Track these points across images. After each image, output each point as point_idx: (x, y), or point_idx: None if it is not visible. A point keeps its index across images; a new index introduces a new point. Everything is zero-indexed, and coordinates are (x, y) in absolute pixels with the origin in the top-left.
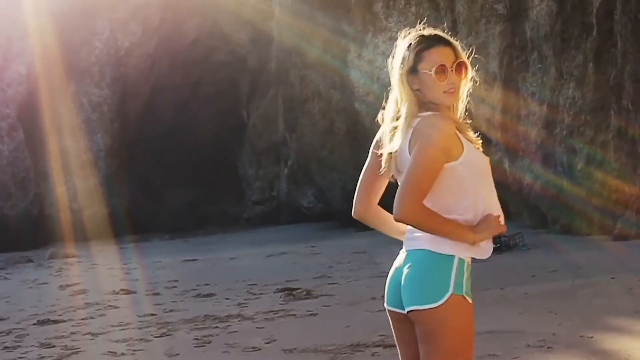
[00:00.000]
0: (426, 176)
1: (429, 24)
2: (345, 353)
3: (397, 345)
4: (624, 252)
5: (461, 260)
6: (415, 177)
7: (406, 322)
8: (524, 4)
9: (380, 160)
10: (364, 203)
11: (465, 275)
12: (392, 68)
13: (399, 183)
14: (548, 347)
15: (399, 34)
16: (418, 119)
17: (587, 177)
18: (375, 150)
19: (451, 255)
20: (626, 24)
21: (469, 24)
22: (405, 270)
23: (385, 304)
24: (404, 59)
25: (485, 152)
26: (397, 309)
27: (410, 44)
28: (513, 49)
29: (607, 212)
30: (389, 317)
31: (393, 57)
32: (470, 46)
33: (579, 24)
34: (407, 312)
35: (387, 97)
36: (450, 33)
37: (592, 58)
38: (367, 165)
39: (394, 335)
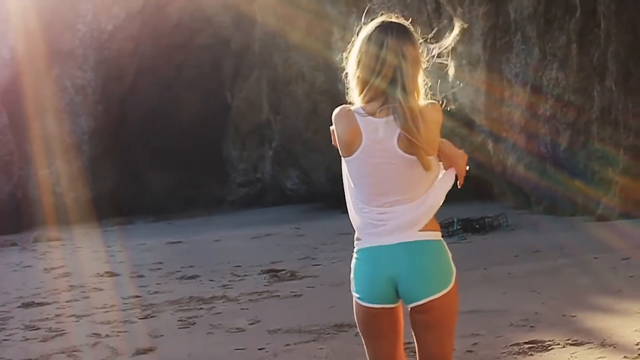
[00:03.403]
0: None
1: (413, 6)
2: (329, 333)
3: (371, 339)
4: (607, 232)
5: None
6: None
7: (389, 317)
8: None
9: None
10: None
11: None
12: (406, 53)
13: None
14: (531, 326)
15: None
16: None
17: (570, 158)
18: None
19: (441, 240)
20: (609, 5)
21: (452, 5)
22: (412, 264)
23: (365, 302)
24: (421, 51)
25: (469, 134)
26: (384, 304)
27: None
28: (497, 30)
29: (591, 193)
30: (365, 314)
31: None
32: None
33: (562, 4)
34: (417, 304)
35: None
36: (434, 15)
37: (575, 39)
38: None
39: (370, 330)
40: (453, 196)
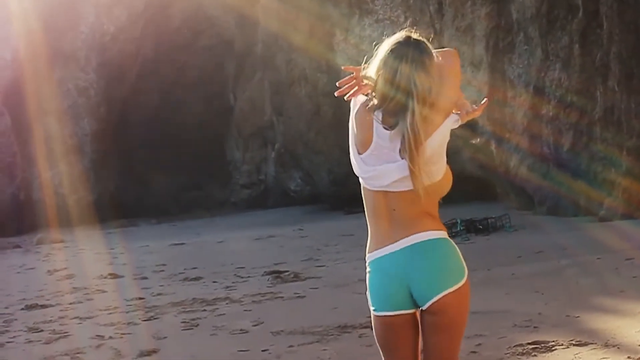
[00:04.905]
0: None
1: (415, 7)
2: (332, 334)
3: (390, 352)
4: (609, 233)
5: None
6: None
7: (405, 325)
8: None
9: None
10: None
11: None
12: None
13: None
14: (534, 327)
15: (386, 16)
16: None
17: (573, 159)
18: None
19: (447, 238)
20: (612, 5)
21: (455, 7)
22: (424, 261)
23: (381, 312)
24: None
25: (471, 135)
26: (401, 310)
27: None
28: (499, 30)
29: (594, 194)
30: (381, 324)
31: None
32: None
33: (564, 5)
34: (432, 303)
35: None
36: (436, 16)
37: (577, 39)
38: None
39: (388, 342)
40: (456, 197)
